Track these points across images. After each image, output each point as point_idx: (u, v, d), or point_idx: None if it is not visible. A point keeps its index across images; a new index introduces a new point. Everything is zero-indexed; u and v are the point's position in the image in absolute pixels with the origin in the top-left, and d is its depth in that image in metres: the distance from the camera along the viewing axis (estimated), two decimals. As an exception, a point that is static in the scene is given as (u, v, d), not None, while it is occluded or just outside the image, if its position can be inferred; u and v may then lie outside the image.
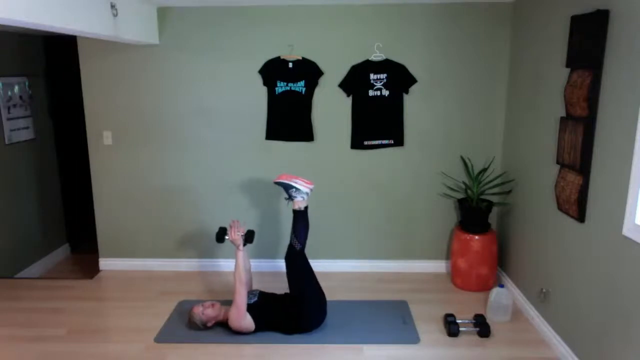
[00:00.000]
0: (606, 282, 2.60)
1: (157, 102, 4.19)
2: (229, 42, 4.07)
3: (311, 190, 3.42)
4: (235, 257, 3.31)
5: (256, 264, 4.31)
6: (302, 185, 3.37)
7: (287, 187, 3.37)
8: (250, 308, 3.27)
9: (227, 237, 3.40)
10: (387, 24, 3.99)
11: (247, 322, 3.25)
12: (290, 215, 4.28)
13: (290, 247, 3.34)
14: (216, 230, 4.27)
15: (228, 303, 3.50)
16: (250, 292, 3.39)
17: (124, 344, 3.26)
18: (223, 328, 3.40)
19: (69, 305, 3.81)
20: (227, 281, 4.19)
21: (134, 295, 3.98)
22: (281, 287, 3.82)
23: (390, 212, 4.31)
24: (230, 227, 3.37)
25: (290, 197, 3.39)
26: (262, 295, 3.42)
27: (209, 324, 3.34)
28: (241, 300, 3.22)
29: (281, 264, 4.32)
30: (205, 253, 4.46)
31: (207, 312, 3.32)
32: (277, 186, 4.22)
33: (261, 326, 3.30)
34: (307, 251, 3.53)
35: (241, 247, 3.32)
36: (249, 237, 3.43)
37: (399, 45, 4.02)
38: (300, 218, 3.35)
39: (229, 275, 4.28)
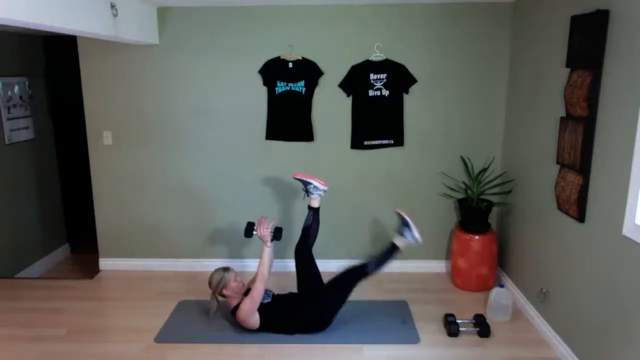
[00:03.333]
0: (606, 282, 2.60)
1: (157, 102, 4.19)
2: (229, 42, 4.07)
3: (324, 191, 3.57)
4: (261, 253, 3.36)
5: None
6: (318, 184, 3.55)
7: (305, 183, 3.56)
8: (261, 308, 3.27)
9: (255, 233, 3.43)
10: (387, 24, 3.99)
11: (254, 319, 3.25)
12: (291, 215, 4.30)
13: (303, 242, 3.49)
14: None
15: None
16: (266, 292, 3.38)
17: (124, 344, 3.26)
18: (225, 319, 3.41)
19: (69, 305, 3.81)
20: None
21: (134, 295, 3.98)
22: (287, 286, 3.81)
23: (391, 212, 4.31)
24: (259, 222, 3.39)
25: (308, 193, 3.55)
26: (276, 297, 3.43)
27: (224, 292, 3.33)
28: (258, 297, 3.22)
29: (284, 264, 4.32)
30: (205, 253, 4.46)
31: (233, 285, 3.31)
32: (277, 186, 4.27)
33: (265, 327, 3.29)
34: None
35: (269, 243, 3.36)
36: (277, 233, 3.47)
37: (399, 45, 4.02)
38: (317, 215, 3.53)
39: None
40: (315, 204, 3.54)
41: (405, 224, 3.51)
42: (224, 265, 3.75)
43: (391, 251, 3.48)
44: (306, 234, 3.50)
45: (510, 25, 3.97)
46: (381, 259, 3.44)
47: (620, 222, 2.47)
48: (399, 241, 3.50)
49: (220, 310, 3.54)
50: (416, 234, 3.49)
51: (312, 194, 3.53)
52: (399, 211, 3.58)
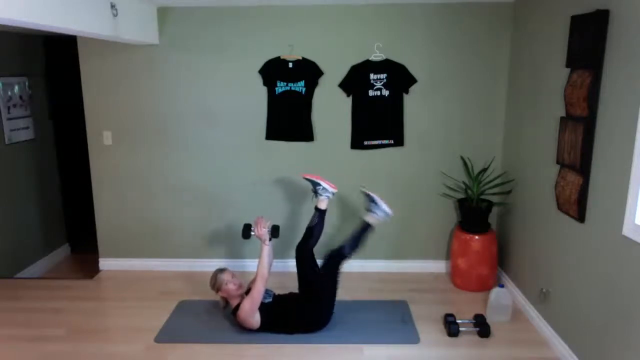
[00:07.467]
0: (606, 282, 2.60)
1: (157, 102, 4.19)
2: (229, 42, 4.07)
3: (333, 194, 3.58)
4: (260, 253, 3.36)
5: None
6: (328, 186, 3.56)
7: (315, 184, 3.56)
8: (262, 307, 3.27)
9: (253, 233, 3.44)
10: (387, 24, 3.99)
11: (255, 319, 3.25)
12: (292, 216, 4.30)
13: (305, 242, 3.47)
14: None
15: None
16: (266, 292, 3.38)
17: (124, 344, 3.26)
18: (225, 319, 3.41)
19: (69, 305, 3.81)
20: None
21: (134, 295, 3.98)
22: (288, 286, 3.81)
23: (392, 212, 4.30)
24: (256, 223, 3.41)
25: (316, 193, 3.56)
26: (276, 297, 3.43)
27: (220, 293, 3.36)
28: (258, 296, 3.23)
29: (284, 264, 4.32)
30: (205, 253, 4.46)
31: (230, 286, 3.32)
32: (277, 186, 4.26)
33: (266, 327, 3.29)
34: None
35: (267, 242, 3.37)
36: (274, 231, 3.48)
37: (399, 45, 4.02)
38: (322, 217, 3.52)
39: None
40: (322, 205, 3.54)
41: (371, 200, 3.53)
42: (224, 265, 3.76)
43: (365, 229, 3.49)
44: (309, 234, 3.50)
45: (511, 25, 3.97)
46: (356, 239, 3.46)
47: (620, 222, 2.47)
48: (370, 218, 3.51)
49: (221, 311, 3.55)
50: (385, 208, 3.52)
51: (321, 195, 3.55)
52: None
